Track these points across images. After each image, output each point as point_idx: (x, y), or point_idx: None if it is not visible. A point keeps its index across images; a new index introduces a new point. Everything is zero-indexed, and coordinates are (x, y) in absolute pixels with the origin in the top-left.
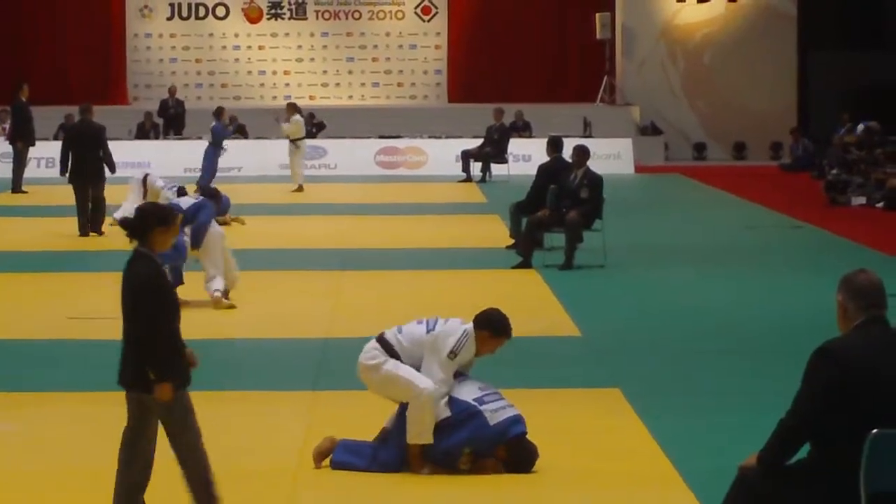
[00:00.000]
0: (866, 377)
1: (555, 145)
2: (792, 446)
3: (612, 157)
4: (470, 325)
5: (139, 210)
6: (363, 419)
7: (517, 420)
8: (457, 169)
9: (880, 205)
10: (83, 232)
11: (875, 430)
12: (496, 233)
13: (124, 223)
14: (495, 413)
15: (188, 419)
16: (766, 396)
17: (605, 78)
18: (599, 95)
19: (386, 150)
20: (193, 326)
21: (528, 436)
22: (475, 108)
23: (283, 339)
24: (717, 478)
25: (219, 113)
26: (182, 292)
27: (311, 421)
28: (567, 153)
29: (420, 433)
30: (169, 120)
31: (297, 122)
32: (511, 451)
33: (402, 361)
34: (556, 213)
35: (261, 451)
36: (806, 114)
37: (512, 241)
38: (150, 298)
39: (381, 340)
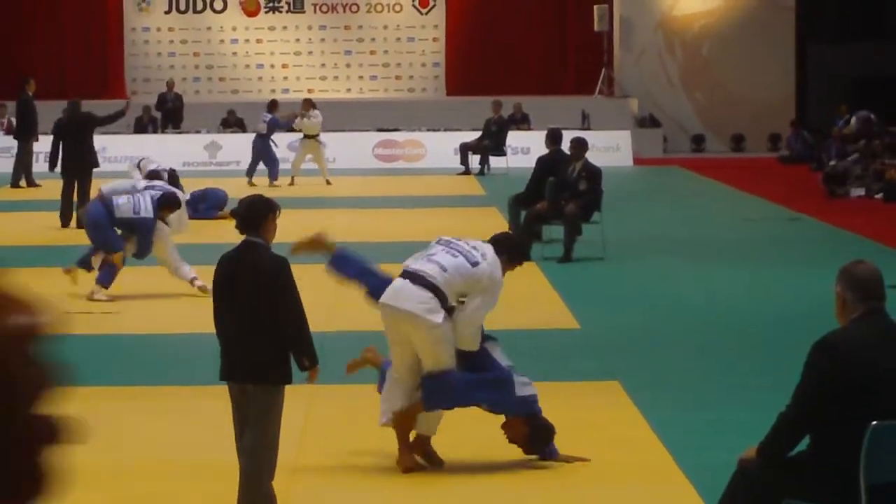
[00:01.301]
0: (866, 369)
1: (553, 138)
2: (792, 439)
3: (610, 149)
4: (490, 246)
5: (249, 201)
6: (362, 414)
7: (536, 400)
8: (455, 162)
9: (879, 196)
10: (64, 223)
11: (874, 422)
12: (495, 225)
13: (235, 215)
14: (523, 386)
15: (279, 412)
16: (765, 389)
17: (604, 70)
18: (598, 88)
19: (384, 143)
20: (188, 320)
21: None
22: (473, 100)
23: None
24: (716, 471)
25: (272, 106)
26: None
27: (309, 416)
28: (566, 146)
29: (473, 339)
30: (167, 114)
31: (318, 118)
32: (533, 426)
33: (448, 301)
34: (555, 205)
35: None
36: (804, 105)
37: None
38: (294, 283)
39: (433, 288)
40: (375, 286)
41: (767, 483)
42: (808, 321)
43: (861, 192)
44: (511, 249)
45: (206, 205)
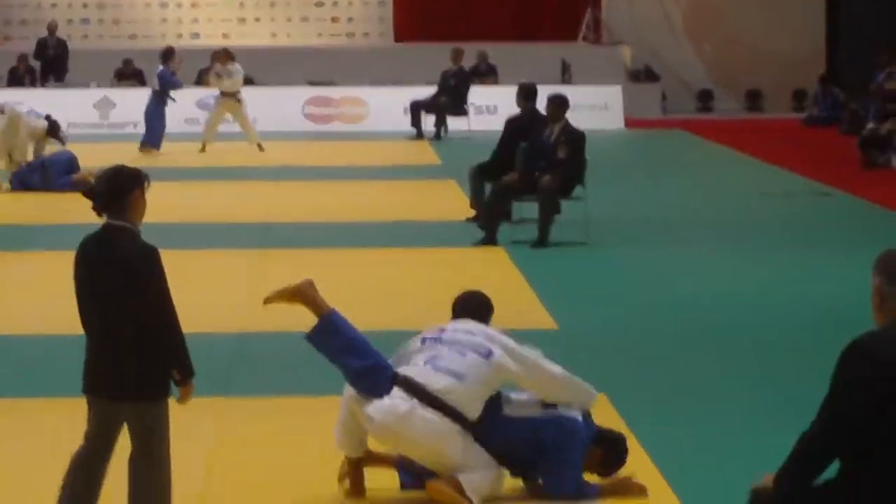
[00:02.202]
0: None
1: (526, 94)
2: (817, 464)
3: (596, 108)
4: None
5: (110, 174)
6: (280, 430)
7: (583, 414)
8: (405, 123)
9: None
10: None
11: None
12: (453, 202)
13: (88, 192)
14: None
15: (166, 428)
16: (783, 404)
17: (589, 11)
18: (581, 33)
19: (317, 100)
20: (70, 319)
21: None
22: (427, 48)
23: (188, 335)
24: (716, 497)
25: (167, 56)
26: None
27: (220, 433)
28: (541, 104)
29: (589, 391)
30: (48, 63)
31: (238, 74)
32: (608, 449)
33: (467, 418)
34: (528, 177)
35: None
36: (835, 57)
37: (473, 213)
38: (164, 279)
39: (447, 409)
40: (360, 373)
41: None
42: (838, 321)
43: None
44: (486, 308)
45: (56, 173)
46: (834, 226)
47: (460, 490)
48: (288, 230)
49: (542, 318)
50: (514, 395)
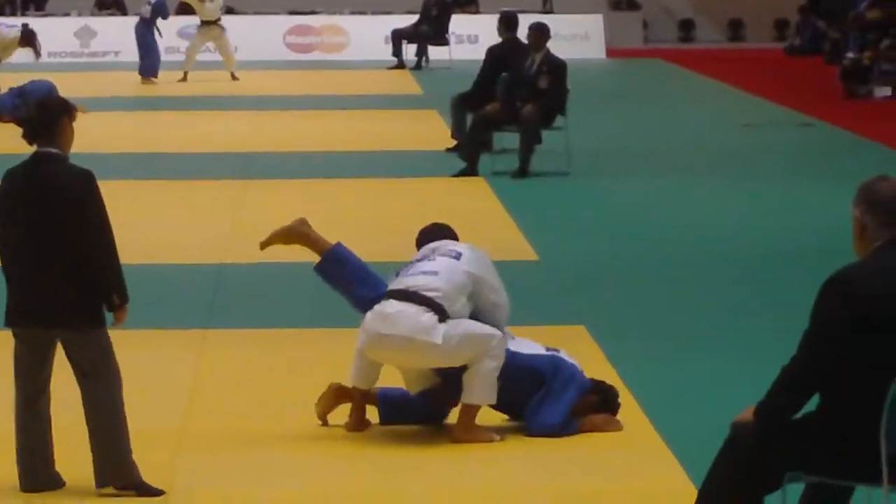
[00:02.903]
0: (889, 312)
1: (507, 24)
2: (798, 397)
3: (577, 37)
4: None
5: (40, 102)
6: (263, 363)
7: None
8: (386, 53)
9: None
10: None
11: None
12: (434, 132)
13: (20, 120)
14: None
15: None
16: (763, 338)
17: None
18: None
19: (298, 29)
20: None
21: None
22: None
23: (168, 266)
24: (702, 435)
25: None
26: None
27: (201, 367)
28: (522, 33)
29: (493, 391)
30: None
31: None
32: (602, 396)
33: (447, 311)
34: (509, 107)
35: (137, 405)
36: None
37: (454, 143)
38: (102, 203)
39: (430, 303)
40: (365, 299)
41: (767, 452)
42: (819, 252)
43: (887, 91)
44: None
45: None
46: (815, 156)
47: (477, 425)
48: (269, 160)
49: (522, 249)
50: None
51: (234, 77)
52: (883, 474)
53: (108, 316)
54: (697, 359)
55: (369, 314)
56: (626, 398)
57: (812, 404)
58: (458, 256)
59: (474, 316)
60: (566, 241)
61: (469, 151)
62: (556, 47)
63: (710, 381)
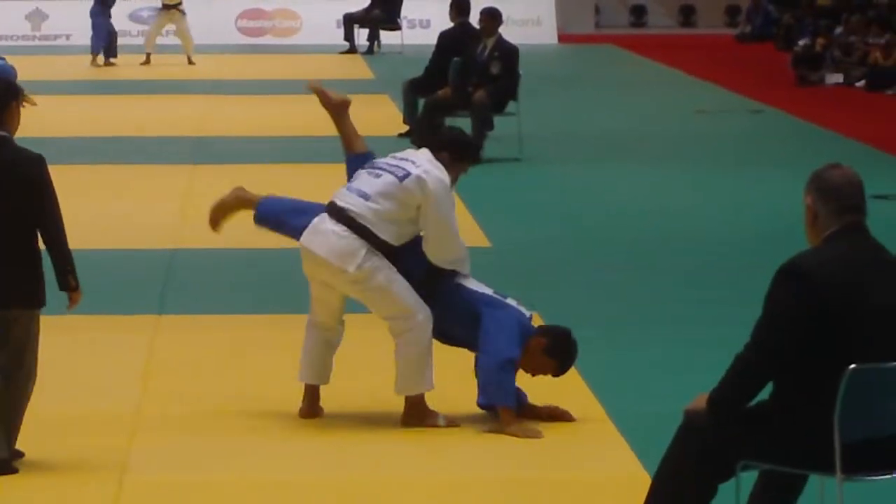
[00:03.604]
0: (842, 299)
1: (459, 8)
2: (751, 386)
3: (529, 22)
4: (424, 151)
5: None
6: (216, 349)
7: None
8: (338, 37)
9: (860, 84)
10: None
11: (853, 365)
12: (386, 117)
13: None
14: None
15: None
16: (717, 324)
17: None
18: None
19: (249, 13)
20: None
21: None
22: None
23: (119, 251)
24: (655, 423)
25: None
26: None
27: (154, 352)
28: (474, 18)
29: (419, 381)
30: None
31: None
32: (552, 337)
33: (380, 237)
34: (461, 92)
35: (90, 391)
36: None
37: (406, 128)
38: (52, 186)
39: (355, 226)
40: (303, 227)
41: (719, 440)
42: (772, 239)
43: (839, 78)
44: (451, 144)
45: None
46: (767, 143)
47: (424, 410)
48: (220, 145)
49: (474, 236)
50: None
51: (190, 62)
52: (836, 463)
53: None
54: (650, 346)
55: (309, 225)
56: (579, 385)
57: (765, 392)
58: (404, 177)
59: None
60: (519, 227)
61: (421, 137)
62: (507, 32)
63: (664, 369)
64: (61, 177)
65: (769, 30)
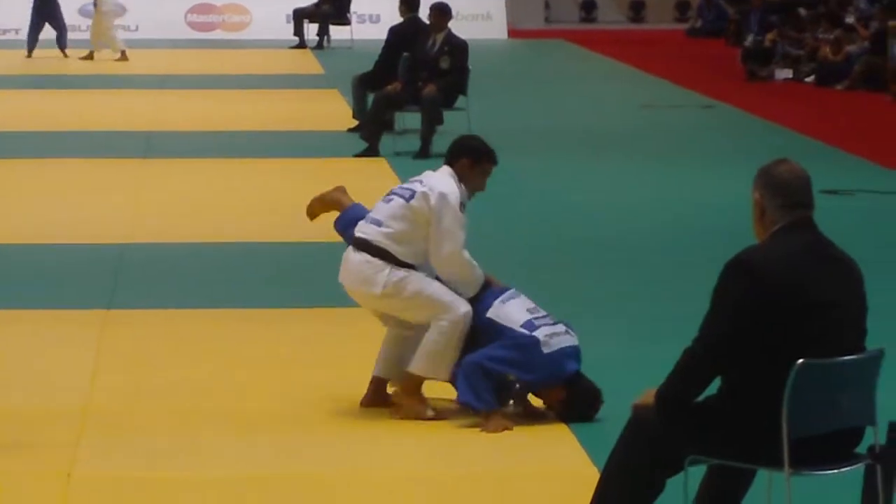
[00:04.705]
0: (790, 295)
1: (409, 3)
2: (698, 381)
3: (479, 17)
4: (443, 168)
5: None
6: (165, 344)
7: (570, 354)
8: (288, 32)
9: (810, 79)
10: None
11: (801, 361)
12: (336, 112)
13: None
14: (549, 339)
15: None
16: (663, 320)
17: None
18: None
19: (199, 7)
20: None
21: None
22: None
23: (69, 245)
24: (603, 417)
25: None
26: None
27: (103, 347)
28: (424, 13)
29: (433, 367)
30: None
31: None
32: (572, 394)
33: (399, 259)
34: (411, 87)
35: (39, 386)
36: None
37: (355, 123)
38: None
39: (373, 250)
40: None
41: (667, 435)
42: (721, 234)
43: (788, 73)
44: (468, 150)
45: None
46: (716, 138)
47: (417, 394)
48: (170, 139)
49: None
50: (546, 329)
51: (111, 55)
52: (784, 458)
53: None
54: (599, 342)
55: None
56: None
57: (714, 387)
58: (410, 197)
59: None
60: (468, 221)
61: (370, 132)
62: (457, 27)
63: (612, 364)
64: (10, 171)
65: (720, 25)
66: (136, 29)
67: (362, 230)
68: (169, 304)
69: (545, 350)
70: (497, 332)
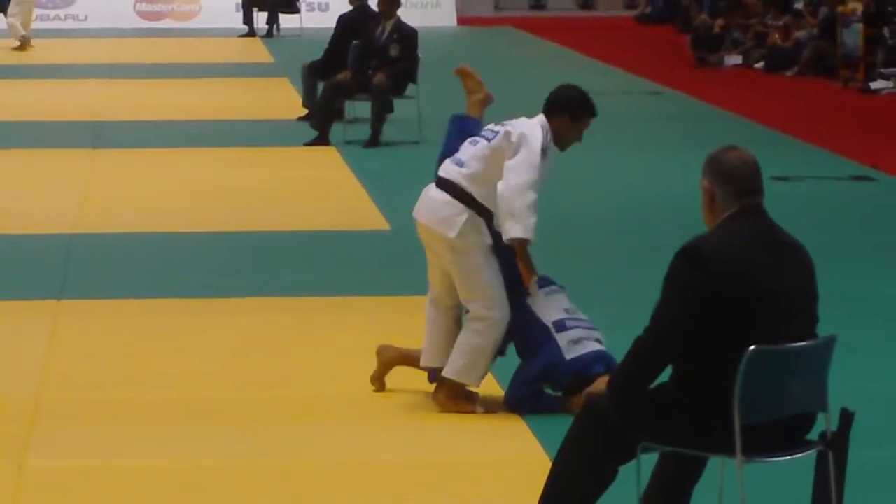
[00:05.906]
0: (741, 282)
1: None
2: (651, 368)
3: (428, 5)
4: (538, 116)
5: None
6: (118, 333)
7: (598, 357)
8: (237, 21)
9: (759, 65)
10: None
11: (752, 348)
12: (285, 100)
13: None
14: (574, 345)
15: None
16: (617, 307)
17: None
18: None
19: None
20: None
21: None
22: None
23: (17, 236)
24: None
25: None
26: None
27: (54, 337)
28: (373, 1)
29: (467, 373)
30: None
31: None
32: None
33: (477, 200)
34: (360, 75)
35: None
36: None
37: (305, 112)
38: None
39: (455, 190)
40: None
41: (620, 422)
42: (671, 220)
43: (738, 59)
44: (569, 104)
45: None
46: (665, 124)
47: (462, 394)
48: (119, 129)
49: (374, 219)
50: (573, 333)
51: (23, 46)
52: (736, 445)
53: None
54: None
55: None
56: None
57: (666, 375)
58: (493, 137)
59: None
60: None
61: (320, 120)
62: (406, 15)
63: None
64: None
65: (670, 12)
66: (86, 18)
67: (446, 170)
68: (119, 293)
69: (566, 354)
70: (529, 326)
